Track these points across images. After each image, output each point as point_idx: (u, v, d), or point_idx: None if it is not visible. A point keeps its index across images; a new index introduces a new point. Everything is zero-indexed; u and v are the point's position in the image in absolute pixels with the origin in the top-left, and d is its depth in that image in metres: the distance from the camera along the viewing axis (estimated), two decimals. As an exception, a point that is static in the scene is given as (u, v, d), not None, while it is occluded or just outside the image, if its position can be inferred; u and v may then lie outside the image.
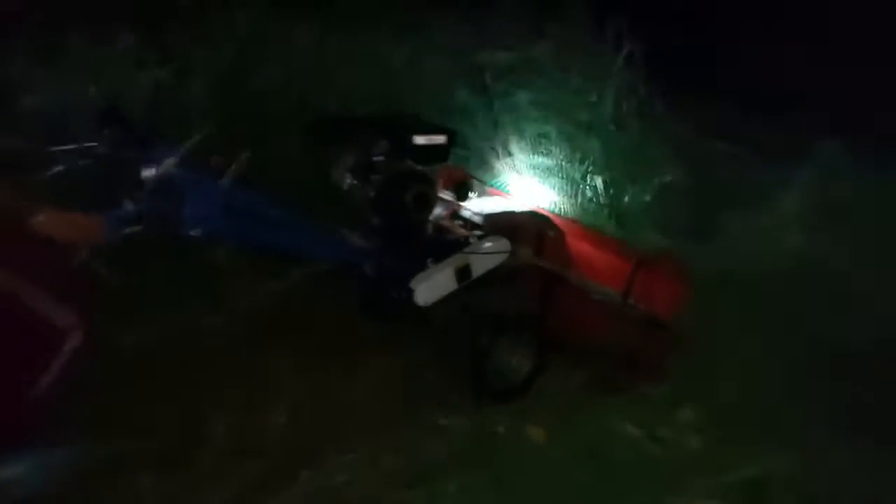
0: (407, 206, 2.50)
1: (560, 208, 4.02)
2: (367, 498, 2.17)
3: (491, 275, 2.68)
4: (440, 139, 2.65)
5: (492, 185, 3.51)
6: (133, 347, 2.58)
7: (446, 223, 2.84)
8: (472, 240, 2.74)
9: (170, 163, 1.96)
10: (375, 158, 2.56)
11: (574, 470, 2.40)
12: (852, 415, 2.80)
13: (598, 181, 4.19)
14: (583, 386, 2.84)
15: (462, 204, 2.89)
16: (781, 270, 3.67)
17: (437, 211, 2.76)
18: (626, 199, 4.21)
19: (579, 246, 3.03)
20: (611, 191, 4.21)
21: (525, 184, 3.99)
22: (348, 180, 2.57)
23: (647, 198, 4.18)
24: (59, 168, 2.16)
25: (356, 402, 2.60)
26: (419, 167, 2.62)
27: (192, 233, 2.04)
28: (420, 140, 2.58)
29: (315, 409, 2.51)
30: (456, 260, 2.60)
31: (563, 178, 4.15)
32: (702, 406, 2.77)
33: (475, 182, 3.04)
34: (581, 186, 4.18)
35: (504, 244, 2.73)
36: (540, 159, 4.18)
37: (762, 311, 3.41)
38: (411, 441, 2.44)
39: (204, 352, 2.68)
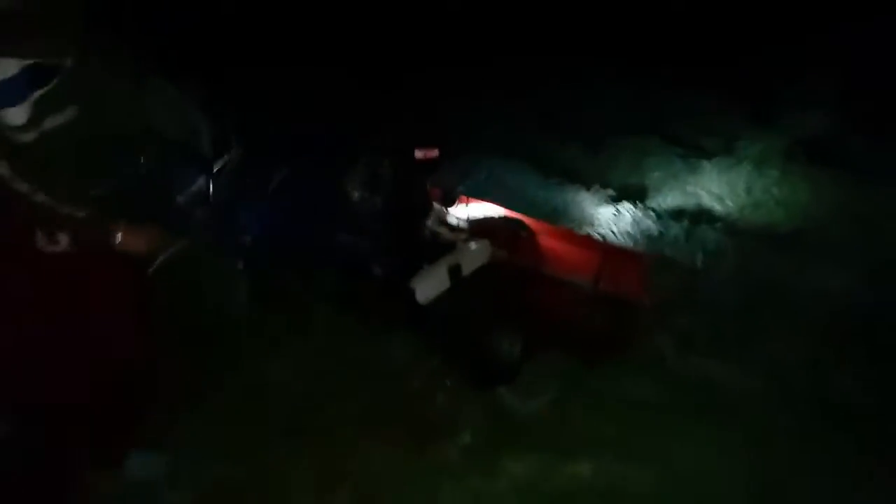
0: (412, 211, 2.90)
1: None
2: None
3: (477, 273, 3.09)
4: (434, 153, 3.05)
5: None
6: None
7: (436, 229, 3.24)
8: (459, 243, 3.14)
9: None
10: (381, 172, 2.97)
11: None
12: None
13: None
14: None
15: (448, 211, 3.29)
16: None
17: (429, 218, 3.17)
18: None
19: (550, 243, 3.47)
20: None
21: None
22: (357, 193, 2.97)
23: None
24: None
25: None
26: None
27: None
28: (419, 154, 2.98)
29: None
30: (447, 260, 2.99)
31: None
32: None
33: (459, 191, 3.45)
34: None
35: (486, 245, 3.13)
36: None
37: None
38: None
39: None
